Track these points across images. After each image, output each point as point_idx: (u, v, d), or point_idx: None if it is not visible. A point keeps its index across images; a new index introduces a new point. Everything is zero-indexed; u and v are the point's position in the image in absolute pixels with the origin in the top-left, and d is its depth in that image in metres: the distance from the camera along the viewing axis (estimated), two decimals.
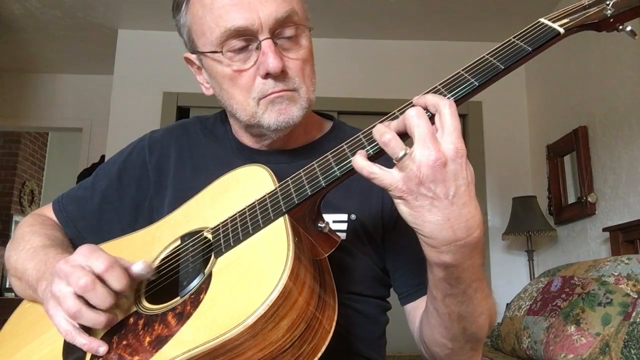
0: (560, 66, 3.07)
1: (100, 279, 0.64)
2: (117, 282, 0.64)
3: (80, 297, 0.64)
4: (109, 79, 3.61)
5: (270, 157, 0.88)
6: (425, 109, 0.59)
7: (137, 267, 0.67)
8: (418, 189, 0.56)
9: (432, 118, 0.59)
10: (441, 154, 0.55)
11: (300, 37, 0.81)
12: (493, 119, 3.48)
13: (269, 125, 0.81)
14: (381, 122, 0.62)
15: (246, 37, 0.78)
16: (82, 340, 0.64)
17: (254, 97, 0.80)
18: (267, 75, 0.78)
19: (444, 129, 0.57)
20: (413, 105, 0.61)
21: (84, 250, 0.67)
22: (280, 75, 0.78)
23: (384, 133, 0.58)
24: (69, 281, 0.64)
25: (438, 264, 0.62)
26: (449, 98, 0.60)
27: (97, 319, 0.64)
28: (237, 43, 0.78)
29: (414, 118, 0.57)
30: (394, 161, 0.57)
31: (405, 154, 0.56)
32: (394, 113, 0.63)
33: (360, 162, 0.60)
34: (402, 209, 0.59)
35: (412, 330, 0.84)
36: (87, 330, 0.66)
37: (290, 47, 0.80)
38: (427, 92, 0.62)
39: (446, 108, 0.57)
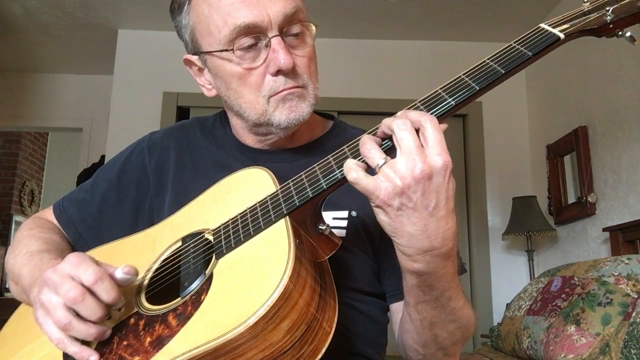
0: (560, 66, 3.07)
1: (89, 290, 0.63)
2: (107, 294, 0.63)
3: (70, 309, 0.63)
4: (109, 79, 3.61)
5: (272, 156, 0.88)
6: None
7: (120, 273, 0.66)
8: (400, 199, 0.57)
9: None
10: (427, 166, 0.56)
11: (306, 34, 0.82)
12: (493, 119, 3.48)
13: (279, 123, 0.81)
14: (368, 133, 0.63)
15: (255, 34, 0.78)
16: (73, 349, 0.64)
17: (264, 95, 0.80)
18: (277, 73, 0.79)
19: (427, 142, 0.57)
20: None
21: (72, 259, 0.66)
22: (291, 72, 0.79)
23: (365, 143, 0.60)
24: (57, 292, 0.64)
25: (411, 272, 0.63)
26: (449, 102, 0.61)
27: (87, 331, 0.63)
28: (247, 40, 0.78)
29: (400, 129, 0.58)
30: (376, 169, 0.58)
31: (384, 162, 0.57)
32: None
33: (350, 163, 0.60)
34: (382, 218, 0.60)
35: (394, 331, 0.84)
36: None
37: (297, 45, 0.81)
38: (427, 98, 0.63)
39: (427, 123, 0.58)
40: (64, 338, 0.64)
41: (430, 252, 0.59)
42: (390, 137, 0.61)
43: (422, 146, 0.57)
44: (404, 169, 0.56)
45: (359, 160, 0.61)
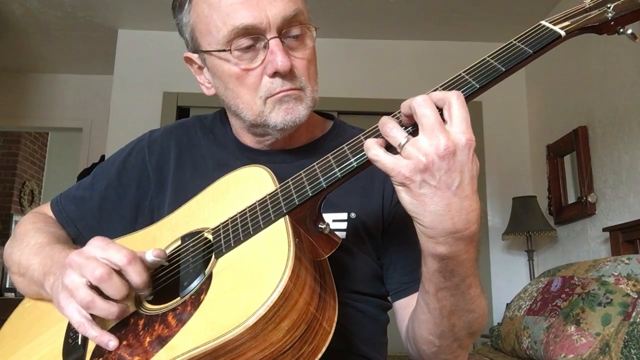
0: (560, 66, 3.07)
1: (117, 271, 0.64)
2: (139, 275, 0.65)
3: (93, 288, 0.64)
4: (109, 79, 3.62)
5: (271, 157, 0.88)
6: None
7: (150, 256, 0.68)
8: (422, 177, 0.55)
9: (440, 114, 0.58)
10: (451, 143, 0.55)
11: (306, 36, 0.82)
12: (493, 119, 3.48)
13: (275, 125, 0.81)
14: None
15: (254, 35, 0.78)
16: (93, 333, 0.64)
17: (260, 96, 0.80)
18: (275, 74, 0.78)
19: (452, 119, 0.56)
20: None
21: (98, 242, 0.67)
22: (288, 75, 0.79)
23: (386, 123, 0.59)
24: (82, 272, 0.64)
25: (434, 255, 0.61)
26: None
27: (109, 309, 0.64)
28: (245, 42, 0.78)
29: (421, 106, 0.56)
30: (398, 149, 0.57)
31: (407, 141, 0.56)
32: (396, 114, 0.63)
33: (369, 142, 0.59)
34: (404, 196, 0.58)
35: (400, 327, 0.84)
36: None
37: (296, 47, 0.81)
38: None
39: (454, 99, 0.57)
40: (84, 322, 0.65)
41: (453, 234, 0.58)
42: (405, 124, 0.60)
43: (444, 123, 0.56)
44: (427, 145, 0.55)
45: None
